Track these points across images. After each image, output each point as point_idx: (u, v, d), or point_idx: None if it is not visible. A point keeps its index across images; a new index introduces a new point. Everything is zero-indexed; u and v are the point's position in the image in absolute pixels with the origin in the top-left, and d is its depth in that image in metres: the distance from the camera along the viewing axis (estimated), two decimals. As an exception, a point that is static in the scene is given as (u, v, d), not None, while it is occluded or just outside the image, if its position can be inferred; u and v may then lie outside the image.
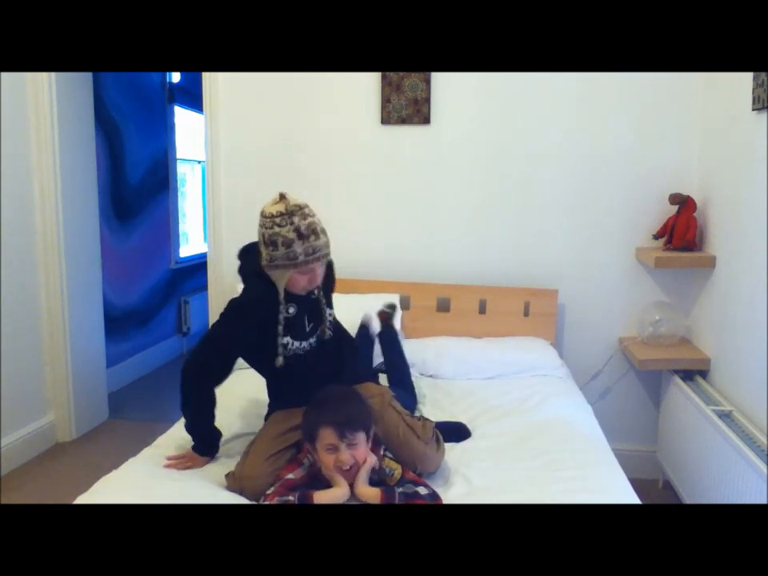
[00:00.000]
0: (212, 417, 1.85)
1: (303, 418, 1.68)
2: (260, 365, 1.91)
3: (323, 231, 1.72)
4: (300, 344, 1.83)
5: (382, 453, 1.70)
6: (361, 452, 1.61)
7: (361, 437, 1.62)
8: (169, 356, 4.83)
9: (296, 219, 1.66)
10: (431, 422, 1.85)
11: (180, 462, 1.81)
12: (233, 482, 1.70)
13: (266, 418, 1.92)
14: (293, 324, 1.80)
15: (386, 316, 2.50)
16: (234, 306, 1.79)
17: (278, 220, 1.66)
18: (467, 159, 2.92)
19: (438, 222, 2.98)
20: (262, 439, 1.79)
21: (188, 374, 1.79)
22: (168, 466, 1.78)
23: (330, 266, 1.96)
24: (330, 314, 1.91)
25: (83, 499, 1.58)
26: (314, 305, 1.87)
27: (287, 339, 1.79)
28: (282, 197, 1.70)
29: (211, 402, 1.84)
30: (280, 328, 1.75)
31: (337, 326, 1.98)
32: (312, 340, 1.86)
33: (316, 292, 1.86)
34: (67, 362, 3.24)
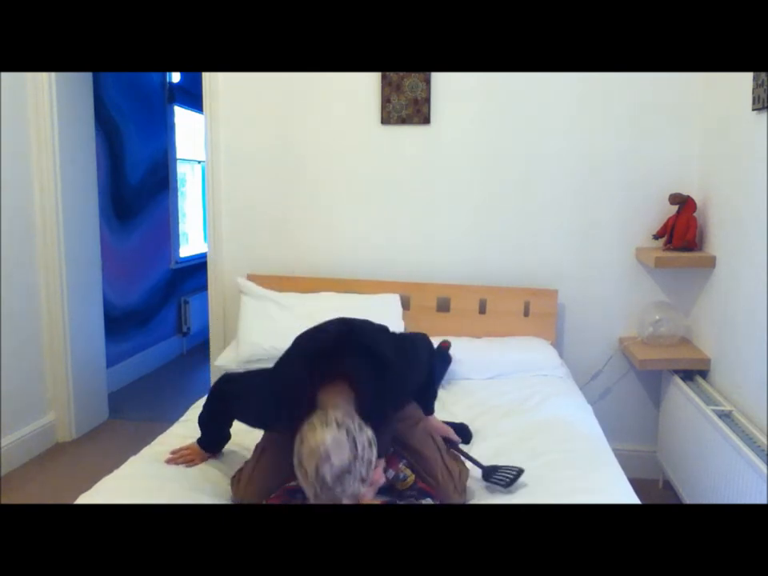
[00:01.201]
0: (228, 423, 1.81)
1: None
2: None
3: (339, 479, 1.29)
4: None
5: (400, 465, 1.67)
6: (376, 474, 1.55)
7: (380, 462, 1.57)
8: (169, 356, 4.83)
9: (312, 467, 1.31)
10: (467, 469, 1.75)
11: (181, 456, 1.80)
12: (236, 491, 1.68)
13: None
14: None
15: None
16: (261, 383, 1.62)
17: (298, 456, 1.35)
18: (467, 159, 2.92)
19: (438, 222, 2.98)
20: (272, 452, 1.67)
21: (216, 391, 1.72)
22: (170, 461, 1.78)
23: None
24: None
25: (85, 499, 1.59)
26: None
27: None
28: (317, 452, 1.30)
29: (231, 418, 1.79)
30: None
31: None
32: None
33: None
34: (67, 362, 3.24)
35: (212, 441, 1.85)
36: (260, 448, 1.73)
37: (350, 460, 1.30)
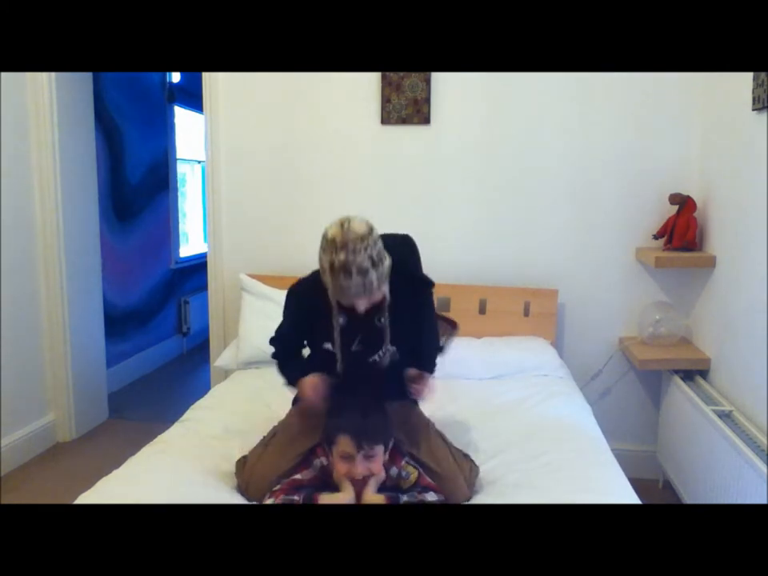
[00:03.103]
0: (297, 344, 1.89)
1: (326, 421, 1.66)
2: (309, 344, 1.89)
3: (362, 272, 1.53)
4: (337, 352, 1.76)
5: (402, 462, 1.68)
6: (376, 465, 1.59)
7: (379, 449, 1.59)
8: (169, 356, 4.83)
9: (335, 253, 1.54)
10: (477, 466, 1.78)
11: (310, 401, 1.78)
12: (242, 473, 1.70)
13: (294, 402, 1.91)
14: (341, 334, 1.74)
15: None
16: (292, 286, 1.85)
17: (324, 244, 1.58)
18: (467, 159, 2.92)
19: (438, 222, 2.97)
20: (283, 435, 1.75)
21: (272, 343, 1.88)
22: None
23: (414, 297, 1.82)
24: (387, 349, 1.77)
25: (84, 499, 1.58)
26: (371, 330, 1.75)
27: (328, 345, 1.75)
28: (342, 223, 1.56)
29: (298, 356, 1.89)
30: (334, 323, 1.74)
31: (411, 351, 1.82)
32: (357, 359, 1.77)
33: (382, 320, 1.75)
34: (67, 362, 3.24)
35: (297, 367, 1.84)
36: (271, 432, 1.79)
37: (365, 233, 1.55)
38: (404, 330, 1.77)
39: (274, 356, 1.88)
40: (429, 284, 1.86)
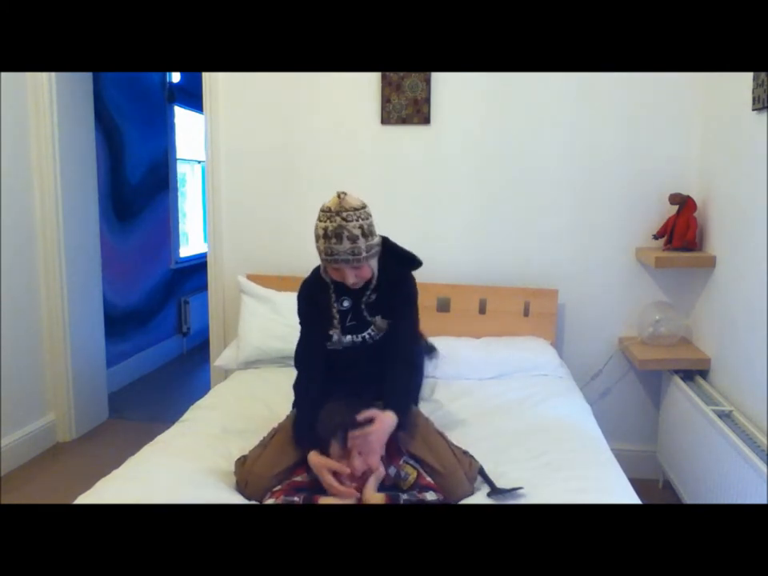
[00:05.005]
0: (313, 402, 1.79)
1: (317, 428, 1.69)
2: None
3: (351, 238, 1.67)
4: (339, 336, 1.85)
5: (401, 462, 1.69)
6: (374, 463, 1.61)
7: (380, 457, 1.61)
8: (169, 356, 4.83)
9: (329, 220, 1.69)
10: (477, 462, 1.78)
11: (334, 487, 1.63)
12: (240, 471, 1.71)
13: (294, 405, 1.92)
14: (341, 316, 1.86)
15: None
16: (300, 287, 1.95)
17: (320, 214, 1.72)
18: (467, 159, 2.92)
19: (438, 222, 2.98)
20: (283, 436, 1.77)
21: (296, 352, 1.91)
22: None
23: (398, 277, 1.89)
24: (375, 322, 1.86)
25: (84, 499, 1.58)
26: (361, 306, 1.86)
27: (333, 332, 1.84)
28: (339, 195, 1.71)
29: (314, 386, 1.83)
30: (334, 311, 1.85)
31: (398, 338, 1.87)
32: (351, 337, 1.86)
33: (372, 297, 1.86)
34: (67, 362, 3.24)
35: (303, 427, 1.76)
36: (271, 433, 1.81)
37: (359, 206, 1.71)
38: (392, 307, 1.87)
39: (296, 384, 1.87)
40: (417, 262, 1.92)
